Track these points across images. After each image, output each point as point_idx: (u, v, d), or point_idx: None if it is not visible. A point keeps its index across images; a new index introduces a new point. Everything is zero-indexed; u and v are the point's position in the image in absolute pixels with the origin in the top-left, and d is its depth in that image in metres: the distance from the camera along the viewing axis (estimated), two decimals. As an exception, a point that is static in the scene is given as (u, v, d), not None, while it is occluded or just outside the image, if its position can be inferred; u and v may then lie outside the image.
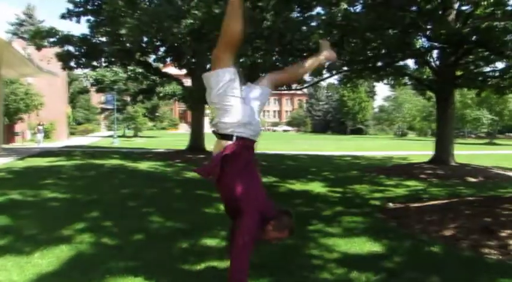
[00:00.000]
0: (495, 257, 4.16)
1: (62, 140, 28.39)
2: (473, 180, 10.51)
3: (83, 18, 14.16)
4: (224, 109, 2.80)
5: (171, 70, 18.56)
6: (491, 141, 45.43)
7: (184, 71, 16.47)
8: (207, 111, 25.12)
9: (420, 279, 3.55)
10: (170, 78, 17.40)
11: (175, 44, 11.29)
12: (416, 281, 3.51)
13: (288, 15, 8.57)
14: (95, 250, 4.14)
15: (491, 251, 4.32)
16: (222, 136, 2.86)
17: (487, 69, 12.54)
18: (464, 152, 22.07)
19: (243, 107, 2.83)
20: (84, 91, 33.08)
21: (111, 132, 41.15)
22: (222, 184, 2.86)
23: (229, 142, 2.80)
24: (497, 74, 12.16)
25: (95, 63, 15.19)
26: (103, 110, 48.69)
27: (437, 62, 11.89)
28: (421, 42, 11.09)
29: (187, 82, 17.59)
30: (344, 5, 7.54)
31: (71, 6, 13.95)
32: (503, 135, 60.16)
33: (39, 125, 23.95)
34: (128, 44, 9.27)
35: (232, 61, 2.86)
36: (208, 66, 13.94)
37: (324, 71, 10.09)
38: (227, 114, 2.80)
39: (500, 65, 12.75)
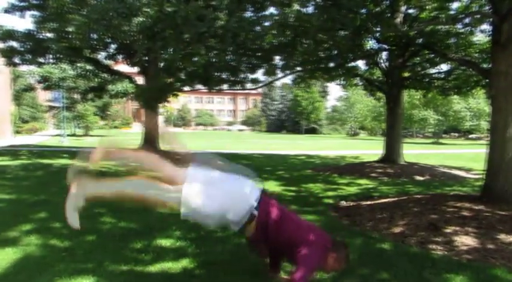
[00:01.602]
0: (441, 253, 4.34)
1: (7, 139, 27.24)
2: (420, 178, 10.86)
3: (28, 13, 13.66)
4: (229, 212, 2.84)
5: (123, 68, 18.19)
6: (437, 140, 47.26)
7: (136, 69, 16.21)
8: (161, 110, 24.80)
9: (371, 275, 3.64)
10: (122, 76, 17.07)
11: (127, 42, 11.11)
12: (367, 278, 3.59)
13: (242, 14, 8.60)
14: (43, 252, 4.03)
15: (437, 246, 4.51)
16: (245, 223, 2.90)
17: (433, 71, 13.00)
18: (412, 151, 22.89)
19: (234, 200, 2.87)
20: (30, 88, 31.72)
21: (59, 131, 39.77)
22: (272, 242, 2.96)
23: (253, 222, 2.89)
24: (442, 75, 12.63)
25: (41, 59, 14.67)
26: (50, 108, 46.90)
27: (386, 64, 12.29)
28: (371, 43, 11.40)
29: (140, 80, 17.32)
30: (296, 6, 7.66)
31: (14, 0, 13.43)
32: (448, 135, 63.04)
33: None
34: (76, 42, 9.01)
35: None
36: (161, 64, 13.80)
37: (278, 71, 10.21)
38: (232, 212, 2.85)
39: (444, 67, 13.35)
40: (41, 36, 13.55)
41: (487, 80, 7.28)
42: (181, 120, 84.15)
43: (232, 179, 2.96)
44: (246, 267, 3.75)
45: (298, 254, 2.83)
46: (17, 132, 36.19)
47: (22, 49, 13.98)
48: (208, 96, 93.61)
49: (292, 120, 78.84)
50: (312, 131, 73.94)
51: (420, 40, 9.33)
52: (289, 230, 2.94)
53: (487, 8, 8.09)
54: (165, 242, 4.48)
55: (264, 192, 3.02)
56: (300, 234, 2.94)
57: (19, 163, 11.86)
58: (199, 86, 12.08)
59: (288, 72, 11.17)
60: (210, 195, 2.82)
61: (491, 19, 6.59)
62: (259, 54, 9.36)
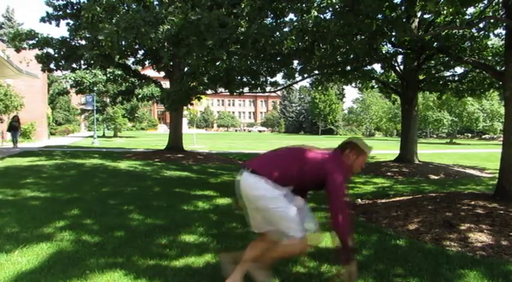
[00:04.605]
0: (455, 249, 4.41)
1: (42, 140, 28.11)
2: (435, 177, 10.95)
3: (63, 22, 14.29)
4: None
5: (150, 72, 18.73)
6: (452, 141, 47.03)
7: (162, 74, 16.69)
8: (185, 113, 25.21)
9: (386, 270, 3.67)
10: (149, 80, 17.52)
11: (154, 48, 11.53)
12: (383, 273, 3.62)
13: (262, 21, 8.83)
14: (76, 247, 4.18)
15: (451, 243, 4.59)
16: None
17: (447, 73, 13.03)
18: (426, 151, 22.76)
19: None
20: (64, 92, 32.75)
21: (91, 133, 40.80)
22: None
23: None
24: (456, 78, 12.63)
25: (74, 65, 15.25)
26: (83, 111, 48.28)
27: (402, 67, 12.34)
28: (387, 48, 11.50)
29: (166, 84, 17.80)
30: (315, 13, 7.89)
31: (50, 10, 14.06)
32: (462, 135, 63.15)
33: (13, 120, 21.29)
34: (107, 49, 9.44)
35: None
36: (185, 69, 14.26)
37: (296, 75, 10.43)
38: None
39: (459, 70, 13.39)
40: (74, 43, 14.17)
41: (501, 82, 7.37)
42: (204, 122, 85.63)
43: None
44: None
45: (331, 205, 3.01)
46: (52, 133, 37.32)
47: (57, 55, 14.57)
48: (229, 99, 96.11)
49: (310, 121, 79.73)
50: (329, 131, 74.65)
51: (435, 44, 9.40)
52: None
53: (501, 12, 8.18)
54: (189, 238, 4.62)
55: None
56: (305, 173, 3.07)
57: (53, 163, 12.18)
58: (221, 89, 12.42)
59: (306, 75, 11.34)
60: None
61: (505, 23, 6.68)
62: (279, 58, 9.58)
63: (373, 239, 4.69)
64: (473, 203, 6.01)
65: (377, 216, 5.91)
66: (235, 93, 11.63)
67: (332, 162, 3.10)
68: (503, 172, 6.30)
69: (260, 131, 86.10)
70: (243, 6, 9.24)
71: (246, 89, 11.94)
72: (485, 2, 8.32)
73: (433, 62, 12.28)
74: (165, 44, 10.27)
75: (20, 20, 67.71)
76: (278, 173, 3.02)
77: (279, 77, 46.02)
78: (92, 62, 13.69)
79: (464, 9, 7.90)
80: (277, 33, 8.66)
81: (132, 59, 17.25)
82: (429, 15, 9.95)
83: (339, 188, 3.00)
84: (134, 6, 11.24)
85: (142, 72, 18.29)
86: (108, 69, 18.40)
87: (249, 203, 3.12)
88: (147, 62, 16.76)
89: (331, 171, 3.03)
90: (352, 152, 3.23)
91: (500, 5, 7.91)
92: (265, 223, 3.12)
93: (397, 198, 7.26)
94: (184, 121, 28.10)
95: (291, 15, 9.33)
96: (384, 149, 25.07)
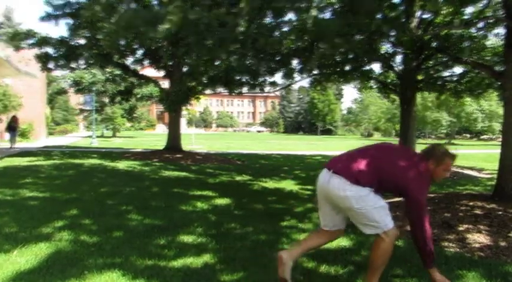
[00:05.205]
0: (454, 250, 4.42)
1: (41, 140, 28.10)
2: (433, 177, 10.95)
3: (62, 21, 14.33)
4: None
5: (149, 72, 18.71)
6: (450, 141, 47.06)
7: (162, 73, 16.66)
8: (184, 113, 25.20)
9: (385, 271, 3.55)
10: (148, 80, 17.48)
11: (153, 48, 11.53)
12: (381, 273, 3.58)
13: (261, 21, 8.81)
14: (74, 247, 4.19)
15: (450, 244, 4.60)
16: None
17: (446, 74, 12.96)
18: None
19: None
20: (63, 92, 32.85)
21: (89, 133, 40.73)
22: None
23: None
24: (455, 78, 12.56)
25: (73, 65, 15.25)
26: (81, 110, 48.25)
27: (401, 67, 12.26)
28: (386, 48, 11.49)
29: (165, 84, 17.79)
30: (314, 12, 7.88)
31: (49, 10, 14.05)
32: (460, 135, 63.43)
33: (11, 120, 20.89)
34: (106, 48, 9.43)
35: None
36: (185, 69, 14.25)
37: (295, 74, 10.43)
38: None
39: (457, 70, 13.35)
40: (73, 43, 14.16)
41: (500, 83, 7.37)
42: (203, 122, 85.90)
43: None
44: (264, 264, 3.85)
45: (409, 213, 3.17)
46: (50, 133, 37.30)
47: (56, 55, 14.57)
48: (228, 99, 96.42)
49: (308, 121, 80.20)
50: (328, 132, 75.12)
51: (434, 44, 9.42)
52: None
53: (501, 12, 8.16)
54: (187, 238, 4.62)
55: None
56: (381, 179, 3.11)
57: (52, 163, 12.17)
58: (220, 89, 12.43)
59: (305, 75, 11.34)
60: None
61: (505, 23, 6.68)
62: (278, 58, 9.60)
63: (372, 240, 4.57)
64: (471, 203, 6.01)
65: (376, 217, 5.91)
66: (234, 93, 11.64)
67: (415, 175, 3.12)
68: (502, 173, 6.30)
69: (259, 131, 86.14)
70: (242, 6, 9.21)
71: (245, 89, 11.95)
72: (485, 1, 8.30)
73: (431, 62, 12.23)
74: (164, 43, 10.25)
75: (18, 20, 67.83)
76: (361, 174, 3.06)
77: (278, 77, 46.16)
78: (91, 61, 13.68)
79: (463, 9, 7.90)
80: (277, 33, 8.63)
81: (131, 59, 17.23)
82: (428, 15, 9.95)
83: (420, 203, 3.09)
84: (134, 5, 11.20)
85: (141, 72, 18.24)
86: (107, 69, 18.38)
87: (332, 202, 3.21)
88: (146, 62, 16.72)
89: (412, 186, 3.08)
90: (436, 161, 3.21)
91: (500, 5, 7.89)
92: (355, 222, 3.22)
93: (396, 199, 7.19)
94: (183, 121, 28.07)
95: (291, 15, 9.31)
96: (383, 149, 25.08)
